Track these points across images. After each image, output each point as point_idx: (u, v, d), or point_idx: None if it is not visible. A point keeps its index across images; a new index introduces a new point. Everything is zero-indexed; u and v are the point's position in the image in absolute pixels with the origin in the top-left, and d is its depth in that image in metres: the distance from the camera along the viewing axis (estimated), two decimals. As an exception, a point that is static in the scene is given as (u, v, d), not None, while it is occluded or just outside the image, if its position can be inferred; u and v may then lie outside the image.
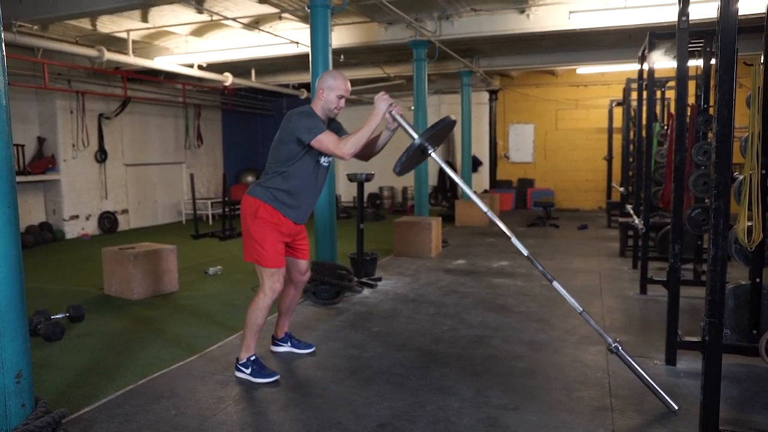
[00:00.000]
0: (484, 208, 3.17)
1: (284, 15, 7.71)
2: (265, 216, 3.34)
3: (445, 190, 14.24)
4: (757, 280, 3.28)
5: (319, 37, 5.55)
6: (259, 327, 3.43)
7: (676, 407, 2.90)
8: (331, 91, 3.35)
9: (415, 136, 3.08)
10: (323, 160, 3.43)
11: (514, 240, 3.06)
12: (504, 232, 3.08)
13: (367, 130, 3.17)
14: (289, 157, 3.31)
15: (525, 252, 3.05)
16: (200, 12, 7.26)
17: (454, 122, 3.16)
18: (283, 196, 3.35)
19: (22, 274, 2.52)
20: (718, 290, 2.45)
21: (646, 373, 2.97)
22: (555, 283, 3.03)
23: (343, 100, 3.39)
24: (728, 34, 2.35)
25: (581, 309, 3.01)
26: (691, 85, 5.84)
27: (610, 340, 2.96)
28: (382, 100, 3.17)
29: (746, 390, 3.18)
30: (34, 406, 2.57)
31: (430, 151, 3.11)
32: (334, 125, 3.47)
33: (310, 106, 3.41)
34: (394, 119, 3.22)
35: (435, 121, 3.14)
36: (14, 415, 2.46)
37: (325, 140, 3.19)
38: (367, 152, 3.46)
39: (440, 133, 3.20)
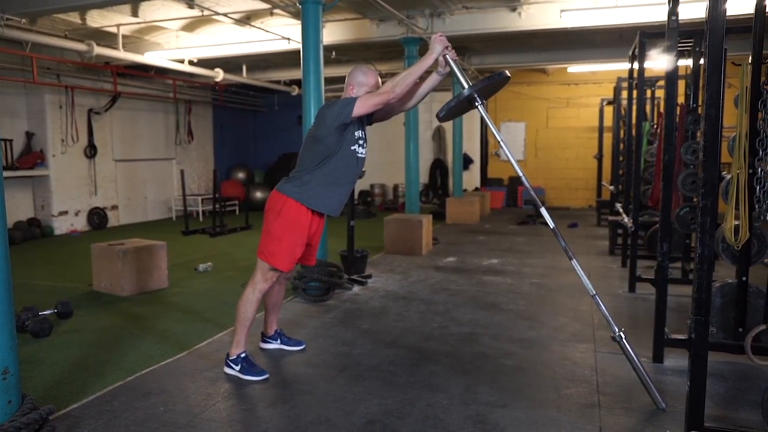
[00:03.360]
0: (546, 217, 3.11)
1: (276, 11, 7.68)
2: (289, 214, 3.29)
3: (436, 187, 14.26)
4: (744, 278, 3.32)
5: (310, 33, 5.53)
6: (249, 321, 3.42)
7: (664, 405, 2.92)
8: (362, 87, 3.28)
9: (466, 85, 2.98)
10: (360, 152, 3.36)
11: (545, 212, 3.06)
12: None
13: (418, 69, 3.05)
14: (327, 152, 3.22)
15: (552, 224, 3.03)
16: (191, 7, 7.22)
17: (508, 78, 3.03)
18: (318, 190, 3.28)
19: (9, 270, 2.50)
20: (705, 288, 2.47)
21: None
22: (573, 262, 2.99)
23: None
24: (716, 35, 2.37)
25: (594, 292, 2.99)
26: (681, 85, 5.90)
27: (616, 329, 2.94)
28: (438, 41, 3.06)
29: (732, 387, 3.22)
30: (21, 402, 2.55)
31: (478, 103, 3.01)
32: (362, 120, 3.35)
33: None
34: (447, 63, 3.11)
35: (491, 76, 3.02)
36: (0, 411, 2.44)
37: (368, 97, 3.09)
38: (408, 98, 3.36)
39: (492, 86, 3.08)
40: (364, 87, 3.28)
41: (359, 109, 3.12)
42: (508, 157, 3.13)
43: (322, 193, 3.31)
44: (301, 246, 3.41)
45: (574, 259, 3.02)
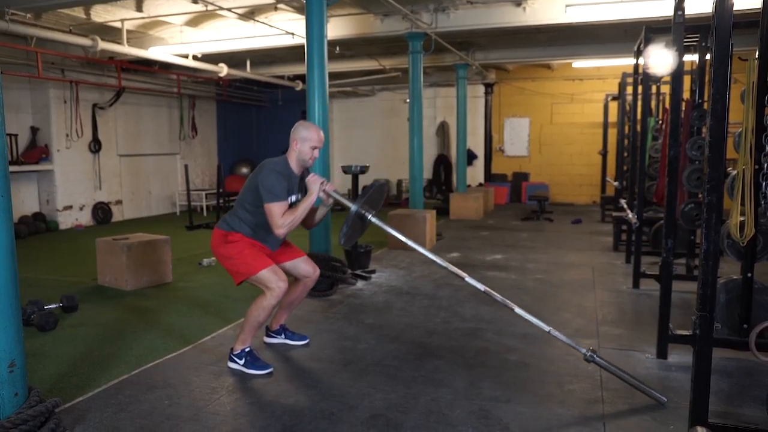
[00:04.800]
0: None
1: (280, 6, 7.66)
2: (235, 238, 3.43)
3: (440, 183, 14.24)
4: (749, 274, 3.30)
5: (314, 28, 5.52)
6: (259, 324, 3.44)
7: (665, 399, 2.93)
8: (305, 142, 3.42)
9: (351, 205, 3.27)
10: (300, 198, 3.50)
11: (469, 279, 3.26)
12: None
13: (302, 212, 3.34)
14: (257, 201, 3.36)
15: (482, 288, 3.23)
16: (195, 2, 7.21)
17: (384, 185, 3.39)
18: (252, 229, 3.43)
19: (15, 264, 2.51)
20: (710, 285, 2.47)
21: (630, 372, 3.03)
22: (517, 309, 3.16)
23: (317, 150, 3.46)
24: (723, 29, 2.36)
25: (548, 328, 3.10)
26: (687, 80, 5.87)
27: (583, 350, 3.02)
28: (312, 182, 3.38)
29: (736, 384, 3.21)
30: (27, 395, 2.57)
31: (369, 217, 3.30)
32: (306, 174, 3.52)
33: (285, 158, 3.46)
34: (329, 195, 3.43)
35: (368, 187, 3.36)
36: (7, 404, 2.46)
37: (274, 211, 3.28)
38: (308, 224, 3.64)
39: (374, 196, 3.41)
40: (307, 142, 3.41)
41: (265, 207, 3.30)
42: None
43: (259, 234, 3.46)
44: (264, 255, 3.45)
45: (517, 307, 3.17)
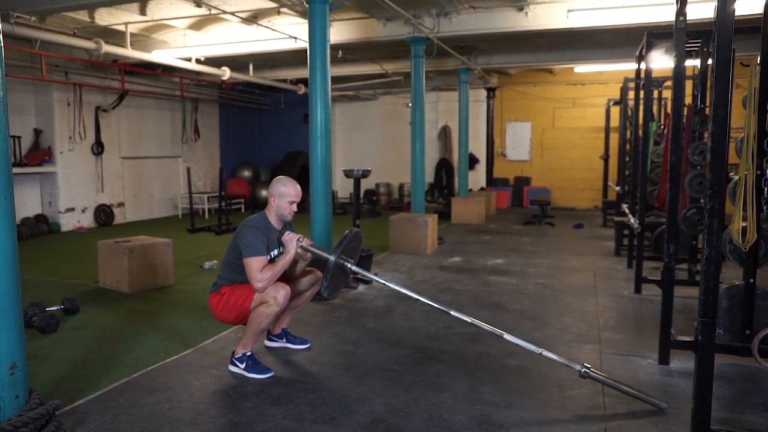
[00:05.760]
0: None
1: (283, 10, 7.69)
2: (226, 291, 3.52)
3: (442, 187, 14.24)
4: (751, 280, 3.30)
5: (317, 32, 5.53)
6: (261, 331, 3.45)
7: (665, 405, 2.92)
8: (282, 198, 3.51)
9: (329, 256, 3.35)
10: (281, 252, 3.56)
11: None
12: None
13: (281, 268, 3.39)
14: (239, 258, 3.41)
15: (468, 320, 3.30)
16: (199, 5, 7.24)
17: (359, 232, 3.51)
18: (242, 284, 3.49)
19: (17, 266, 2.51)
20: (712, 290, 2.46)
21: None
22: (506, 336, 3.18)
23: (294, 205, 3.55)
24: (725, 35, 2.36)
25: (539, 351, 3.11)
26: (688, 85, 5.87)
27: (578, 367, 3.03)
28: (288, 240, 3.45)
29: (738, 390, 3.20)
30: (28, 397, 2.57)
31: (349, 265, 3.41)
32: (287, 227, 3.61)
33: (264, 214, 3.55)
34: (306, 250, 3.52)
35: (344, 236, 3.44)
36: (8, 406, 2.46)
37: (252, 265, 3.33)
38: (290, 276, 3.72)
39: (351, 245, 3.49)
40: (285, 198, 3.50)
41: (245, 262, 3.35)
42: None
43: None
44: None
45: (506, 335, 3.19)
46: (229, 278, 3.53)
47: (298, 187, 3.59)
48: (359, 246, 3.75)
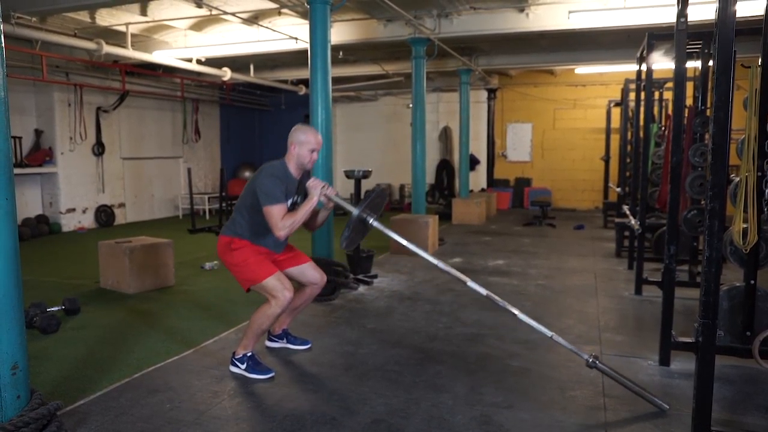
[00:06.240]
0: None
1: (283, 10, 7.70)
2: (239, 245, 3.43)
3: (442, 188, 14.24)
4: (752, 281, 3.30)
5: (318, 33, 5.54)
6: (262, 332, 3.45)
7: (667, 406, 2.92)
8: (303, 146, 3.44)
9: (353, 209, 3.29)
10: (300, 201, 3.50)
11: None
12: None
13: (302, 215, 3.33)
14: (256, 204, 3.37)
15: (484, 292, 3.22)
16: (199, 6, 7.24)
17: (385, 190, 3.33)
18: (252, 233, 3.44)
19: (19, 267, 2.51)
20: (713, 291, 2.46)
21: (632, 378, 3.03)
22: (519, 314, 3.16)
23: (315, 153, 3.48)
24: (726, 36, 2.36)
25: (551, 334, 3.09)
26: (689, 87, 5.87)
27: (585, 356, 3.02)
28: (313, 186, 3.38)
29: (739, 391, 3.20)
30: (30, 398, 2.57)
31: (371, 221, 3.33)
32: (306, 177, 3.53)
33: (283, 162, 3.48)
34: (330, 199, 3.45)
35: (369, 192, 3.39)
36: (9, 406, 2.46)
37: (273, 213, 3.29)
38: (310, 226, 3.68)
39: (376, 201, 3.42)
40: (306, 146, 3.44)
41: (264, 210, 3.31)
42: None
43: (255, 239, 3.46)
44: (269, 262, 3.46)
45: (519, 313, 3.16)
46: (242, 224, 3.45)
47: (319, 136, 3.53)
48: (383, 203, 3.63)
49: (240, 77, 11.42)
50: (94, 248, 6.05)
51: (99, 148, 10.53)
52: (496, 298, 3.18)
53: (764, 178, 2.92)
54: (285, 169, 3.45)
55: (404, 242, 3.39)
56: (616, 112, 11.31)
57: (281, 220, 3.28)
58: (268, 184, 3.32)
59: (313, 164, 3.53)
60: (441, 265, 3.27)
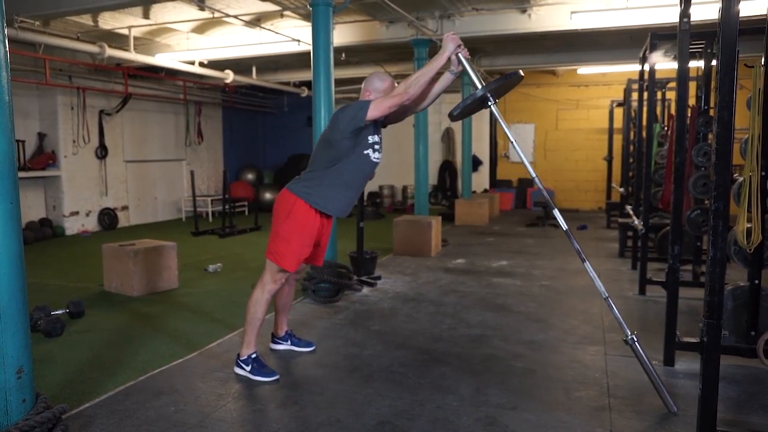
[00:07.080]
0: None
1: (286, 13, 7.71)
2: (298, 215, 3.30)
3: (445, 189, 14.24)
4: (756, 281, 3.29)
5: (320, 35, 5.55)
6: (259, 321, 3.44)
7: (676, 409, 2.91)
8: (378, 93, 3.30)
9: (479, 84, 2.97)
10: (374, 156, 3.34)
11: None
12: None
13: (431, 69, 3.04)
14: (339, 156, 3.24)
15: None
16: (202, 9, 7.26)
17: (521, 77, 3.00)
18: (327, 192, 3.30)
19: (23, 270, 2.52)
20: (717, 291, 2.46)
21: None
22: (586, 264, 3.01)
23: None
24: (729, 36, 2.36)
25: (606, 295, 2.97)
26: (692, 87, 5.86)
27: (628, 332, 2.91)
28: (450, 40, 3.03)
29: (744, 391, 3.19)
30: (35, 401, 2.58)
31: (490, 103, 2.96)
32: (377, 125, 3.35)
33: None
34: (460, 62, 3.07)
35: (505, 75, 3.01)
36: (15, 410, 2.47)
37: (382, 100, 3.09)
38: (422, 99, 3.36)
39: (505, 86, 3.08)
40: (381, 93, 3.28)
41: (373, 112, 3.11)
42: (520, 156, 3.13)
43: (331, 195, 3.33)
44: (309, 247, 3.44)
45: (587, 262, 3.02)
46: (318, 177, 3.28)
47: (395, 83, 3.32)
48: (510, 89, 3.27)
49: (242, 79, 11.44)
50: (97, 251, 6.06)
51: (102, 151, 10.56)
52: (573, 238, 3.01)
53: (768, 177, 2.92)
54: None
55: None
56: (618, 113, 11.29)
57: (395, 90, 3.08)
58: (354, 106, 3.14)
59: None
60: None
